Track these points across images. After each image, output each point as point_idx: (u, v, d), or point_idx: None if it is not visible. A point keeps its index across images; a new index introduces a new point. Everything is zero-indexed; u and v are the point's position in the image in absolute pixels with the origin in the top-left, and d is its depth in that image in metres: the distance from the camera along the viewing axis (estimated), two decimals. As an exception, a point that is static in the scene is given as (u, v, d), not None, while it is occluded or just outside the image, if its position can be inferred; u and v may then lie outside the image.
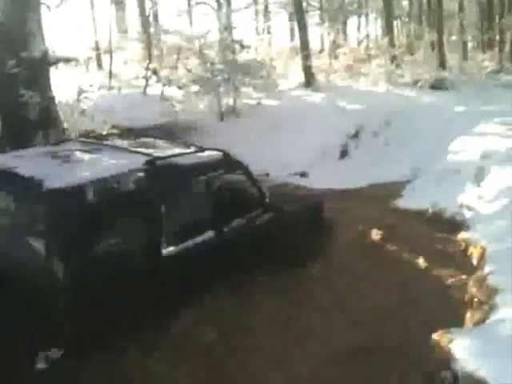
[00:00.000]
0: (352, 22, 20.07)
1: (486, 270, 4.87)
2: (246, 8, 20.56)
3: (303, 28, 14.29)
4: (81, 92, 9.05)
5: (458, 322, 4.35)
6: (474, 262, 5.31)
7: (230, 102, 11.49)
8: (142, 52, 13.33)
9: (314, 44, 17.18)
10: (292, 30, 19.67)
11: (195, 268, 4.38)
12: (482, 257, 5.22)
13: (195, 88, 11.25)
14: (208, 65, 11.65)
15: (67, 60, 8.81)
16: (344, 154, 10.60)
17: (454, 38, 19.84)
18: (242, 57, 12.29)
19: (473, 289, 4.75)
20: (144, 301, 4.00)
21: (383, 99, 12.62)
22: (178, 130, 10.19)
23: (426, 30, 19.40)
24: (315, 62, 14.74)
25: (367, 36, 18.99)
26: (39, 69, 7.72)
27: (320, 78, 14.17)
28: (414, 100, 12.84)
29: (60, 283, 3.63)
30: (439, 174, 8.14)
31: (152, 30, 13.36)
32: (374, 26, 21.26)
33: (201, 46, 12.09)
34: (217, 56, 11.98)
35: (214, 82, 11.22)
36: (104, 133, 8.16)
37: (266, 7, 20.57)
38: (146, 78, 11.70)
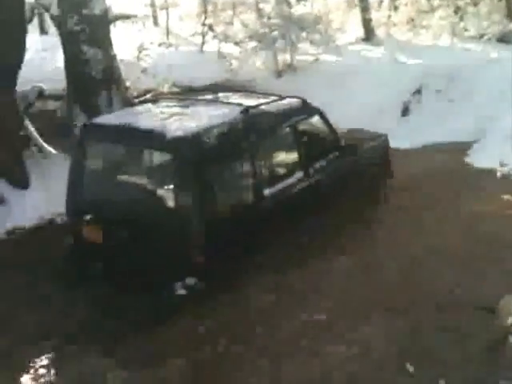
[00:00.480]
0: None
1: None
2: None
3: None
4: (141, 50, 9.09)
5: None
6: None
7: (287, 58, 11.28)
8: (197, 7, 13.18)
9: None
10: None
11: (289, 206, 4.82)
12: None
13: (252, 44, 11.08)
14: (264, 19, 11.43)
15: (126, 17, 8.82)
16: (406, 111, 10.31)
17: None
18: (298, 10, 11.95)
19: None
20: (253, 237, 4.50)
21: (446, 54, 12.06)
22: (237, 88, 10.14)
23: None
24: (374, 15, 14.17)
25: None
26: (100, 26, 7.82)
27: (379, 31, 13.65)
28: (480, 55, 12.19)
29: (193, 223, 4.18)
30: (508, 134, 7.83)
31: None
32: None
33: (256, -1, 11.83)
34: (272, 10, 11.71)
35: (270, 37, 11.02)
36: (165, 91, 8.22)
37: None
38: (203, 35, 11.61)
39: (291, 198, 4.87)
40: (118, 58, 8.38)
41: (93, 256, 4.61)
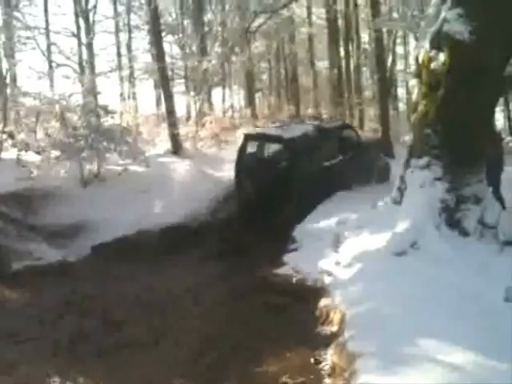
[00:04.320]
0: (217, 92, 20.94)
1: (346, 335, 5.08)
2: (110, 72, 20.41)
3: (169, 96, 14.54)
4: None
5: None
6: (335, 327, 5.52)
7: (94, 168, 11.13)
8: (-3, 113, 12.51)
9: (181, 111, 17.57)
10: (158, 97, 19.88)
11: (335, 171, 10.11)
12: (341, 322, 5.45)
13: (55, 153, 10.71)
14: (70, 129, 11.24)
15: None
16: (214, 217, 10.77)
17: (310, 111, 21.52)
18: (107, 122, 12.06)
19: (334, 355, 4.92)
20: (319, 188, 9.52)
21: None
22: (36, 197, 9.58)
23: (285, 102, 20.89)
24: (182, 130, 14.97)
25: (231, 106, 19.86)
26: None
27: (187, 145, 14.39)
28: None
29: (296, 178, 9.50)
30: (303, 241, 8.56)
31: (9, 91, 12.65)
32: (237, 97, 22.36)
33: (62, 109, 11.65)
34: (80, 120, 11.63)
35: (76, 147, 10.82)
36: None
37: (132, 73, 20.62)
38: (1, 142, 10.93)
39: (335, 168, 10.14)
40: None
41: (248, 199, 10.21)
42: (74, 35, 19.46)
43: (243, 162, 10.34)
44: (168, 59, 19.19)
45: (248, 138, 10.71)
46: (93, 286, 7.51)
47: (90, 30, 19.35)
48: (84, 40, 18.98)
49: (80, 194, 10.38)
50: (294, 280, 7.24)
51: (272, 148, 10.73)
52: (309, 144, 9.88)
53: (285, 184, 9.33)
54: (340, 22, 20.35)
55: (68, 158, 10.67)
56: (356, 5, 19.82)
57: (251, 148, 10.52)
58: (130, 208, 9.84)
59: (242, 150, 10.46)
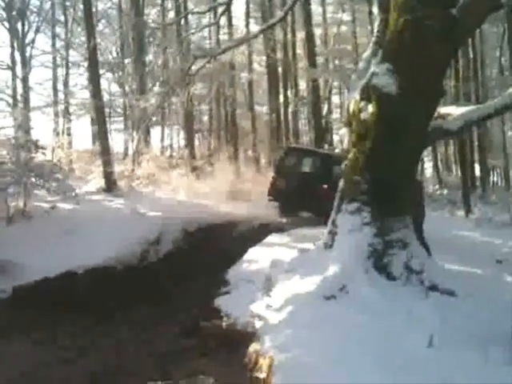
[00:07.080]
0: (156, 130, 20.87)
1: (273, 382, 4.97)
2: (45, 107, 19.92)
3: (104, 133, 14.31)
4: None
5: None
6: (263, 374, 5.39)
7: (20, 204, 10.65)
8: None
9: (118, 148, 17.33)
10: (95, 133, 19.52)
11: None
12: (270, 368, 5.33)
13: (-21, 188, 10.18)
14: (-4, 164, 10.77)
15: None
16: (144, 259, 10.46)
17: (249, 152, 21.86)
18: (38, 157, 11.67)
19: (261, 404, 4.79)
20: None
21: (183, 207, 13.02)
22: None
23: (224, 144, 21.12)
24: (118, 167, 14.73)
25: (170, 146, 19.81)
26: None
27: (122, 183, 14.11)
28: (212, 208, 13.55)
29: (326, 180, 12.32)
30: (234, 283, 8.45)
31: None
32: (176, 137, 22.37)
33: (-11, 143, 11.19)
34: (8, 155, 11.20)
35: (1, 182, 10.34)
36: None
37: (67, 108, 20.20)
38: None
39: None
40: None
41: (282, 194, 13.39)
42: (9, 68, 18.97)
43: (282, 173, 13.50)
44: (106, 96, 19.05)
45: (289, 150, 14.49)
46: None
47: (26, 64, 18.93)
48: (19, 73, 18.51)
49: (4, 232, 9.85)
50: (225, 324, 7.08)
51: (308, 160, 13.85)
52: (335, 161, 12.86)
53: (314, 185, 12.64)
54: (279, 69, 21.06)
55: (-8, 194, 10.17)
56: (294, 55, 20.61)
57: (290, 158, 13.88)
58: (56, 248, 9.40)
59: (282, 160, 14.06)
